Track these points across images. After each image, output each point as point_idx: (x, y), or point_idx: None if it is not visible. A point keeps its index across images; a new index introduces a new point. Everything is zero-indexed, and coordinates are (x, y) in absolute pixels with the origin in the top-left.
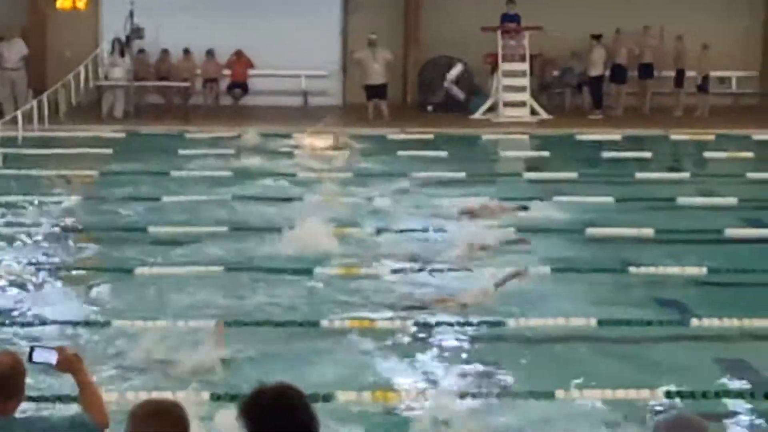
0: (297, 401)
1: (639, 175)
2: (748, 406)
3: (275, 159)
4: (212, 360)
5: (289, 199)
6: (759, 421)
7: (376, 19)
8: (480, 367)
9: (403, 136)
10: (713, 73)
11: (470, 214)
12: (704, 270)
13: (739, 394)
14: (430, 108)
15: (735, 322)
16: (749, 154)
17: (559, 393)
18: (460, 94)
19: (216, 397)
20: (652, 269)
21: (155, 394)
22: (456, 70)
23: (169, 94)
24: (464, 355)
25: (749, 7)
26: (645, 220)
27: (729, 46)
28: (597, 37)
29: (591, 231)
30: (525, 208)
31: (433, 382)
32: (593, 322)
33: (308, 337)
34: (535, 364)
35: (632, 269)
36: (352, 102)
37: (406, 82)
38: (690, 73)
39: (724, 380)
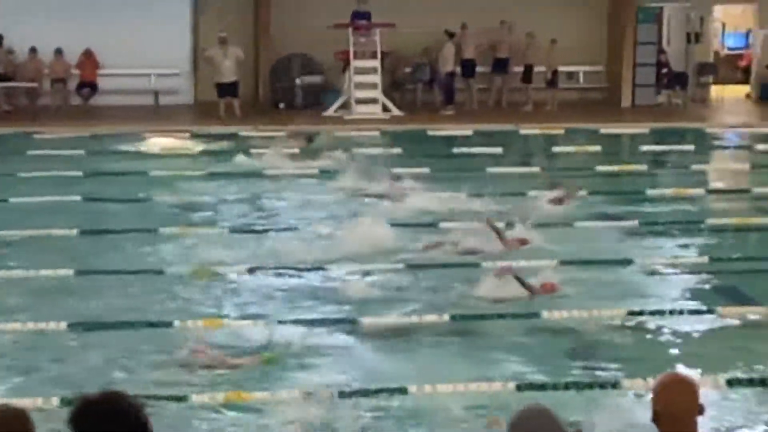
0: (126, 407)
1: (490, 169)
2: (597, 396)
3: (126, 159)
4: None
5: (141, 200)
6: (609, 411)
7: (226, 16)
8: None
9: (255, 134)
10: (561, 68)
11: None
12: (554, 262)
13: (588, 386)
14: (281, 105)
15: (584, 314)
16: (597, 148)
17: (412, 388)
18: (301, 102)
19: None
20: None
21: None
22: (312, 79)
23: (16, 94)
24: None
25: (594, 3)
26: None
27: (576, 41)
28: (451, 34)
29: (444, 225)
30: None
31: None
32: (446, 317)
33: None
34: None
35: (485, 263)
36: (203, 100)
37: (257, 80)
38: (539, 69)
39: (575, 371)
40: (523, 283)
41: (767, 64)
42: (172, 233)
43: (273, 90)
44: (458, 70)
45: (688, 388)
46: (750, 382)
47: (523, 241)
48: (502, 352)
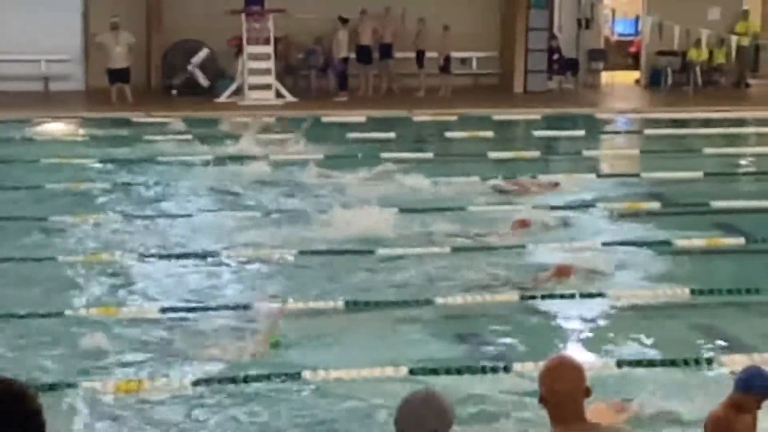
0: (18, 393)
1: (384, 155)
2: (489, 379)
3: (15, 146)
4: None
5: (32, 188)
6: (499, 395)
7: (117, 1)
8: None
9: (147, 120)
10: (454, 54)
11: None
12: (447, 249)
13: (480, 369)
14: (174, 92)
15: (477, 299)
16: (490, 134)
17: (306, 373)
18: (203, 80)
19: None
20: (398, 250)
21: None
22: (201, 55)
23: None
24: None
25: None
26: (390, 200)
27: (469, 27)
28: (344, 20)
29: (334, 213)
30: None
31: None
32: (340, 304)
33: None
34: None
35: (380, 251)
36: (95, 86)
37: (149, 66)
38: (432, 54)
39: (468, 355)
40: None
41: (656, 50)
42: (64, 221)
43: (165, 76)
44: (353, 56)
45: (574, 371)
46: (638, 363)
47: (523, 223)
48: (396, 337)
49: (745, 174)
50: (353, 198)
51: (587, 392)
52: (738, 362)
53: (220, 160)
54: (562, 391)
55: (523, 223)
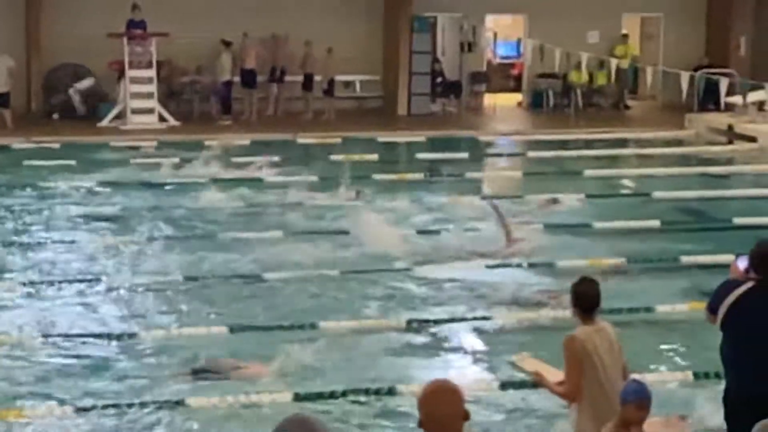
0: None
1: (269, 179)
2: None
3: None
4: None
5: None
6: (386, 418)
7: None
8: None
9: (28, 145)
10: (338, 77)
11: None
12: (337, 272)
13: (364, 392)
14: (55, 116)
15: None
16: (374, 156)
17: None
18: (80, 106)
19: None
20: (283, 274)
21: None
22: (85, 83)
23: None
24: None
25: (369, 13)
26: (275, 224)
27: (353, 50)
28: (227, 44)
29: (223, 236)
30: None
31: None
32: (224, 330)
33: None
34: None
35: (267, 275)
36: None
37: (29, 90)
38: (317, 78)
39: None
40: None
41: (538, 73)
42: None
43: (46, 100)
44: (236, 79)
45: (452, 394)
46: (521, 385)
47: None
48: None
49: (624, 195)
50: (239, 223)
51: (466, 416)
52: None
53: (102, 185)
54: (441, 415)
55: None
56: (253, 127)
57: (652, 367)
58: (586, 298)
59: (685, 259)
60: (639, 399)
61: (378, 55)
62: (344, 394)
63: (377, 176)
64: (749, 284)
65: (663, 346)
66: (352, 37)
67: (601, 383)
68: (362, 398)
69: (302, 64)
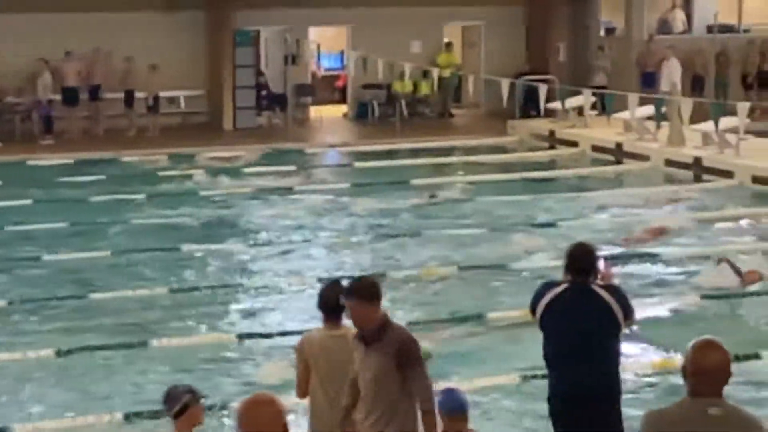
0: None
1: (94, 198)
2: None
3: None
4: None
5: None
6: None
7: None
8: None
9: None
10: (163, 94)
11: None
12: (166, 290)
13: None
14: None
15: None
16: (201, 172)
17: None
18: None
19: None
20: (112, 293)
21: None
22: None
23: None
24: None
25: (192, 27)
26: (101, 244)
27: (176, 66)
28: (46, 62)
29: (47, 258)
30: None
31: None
32: (51, 353)
33: None
34: None
35: (93, 295)
36: None
37: None
38: (141, 94)
39: None
40: (734, 269)
41: (362, 84)
42: None
43: None
44: (58, 97)
45: (270, 407)
46: None
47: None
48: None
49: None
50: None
51: (285, 430)
52: None
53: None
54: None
55: None
56: (76, 146)
57: None
58: None
59: None
60: (449, 411)
61: (202, 70)
62: None
63: (204, 192)
64: (564, 285)
65: None
66: (176, 53)
67: None
68: None
69: (122, 80)
